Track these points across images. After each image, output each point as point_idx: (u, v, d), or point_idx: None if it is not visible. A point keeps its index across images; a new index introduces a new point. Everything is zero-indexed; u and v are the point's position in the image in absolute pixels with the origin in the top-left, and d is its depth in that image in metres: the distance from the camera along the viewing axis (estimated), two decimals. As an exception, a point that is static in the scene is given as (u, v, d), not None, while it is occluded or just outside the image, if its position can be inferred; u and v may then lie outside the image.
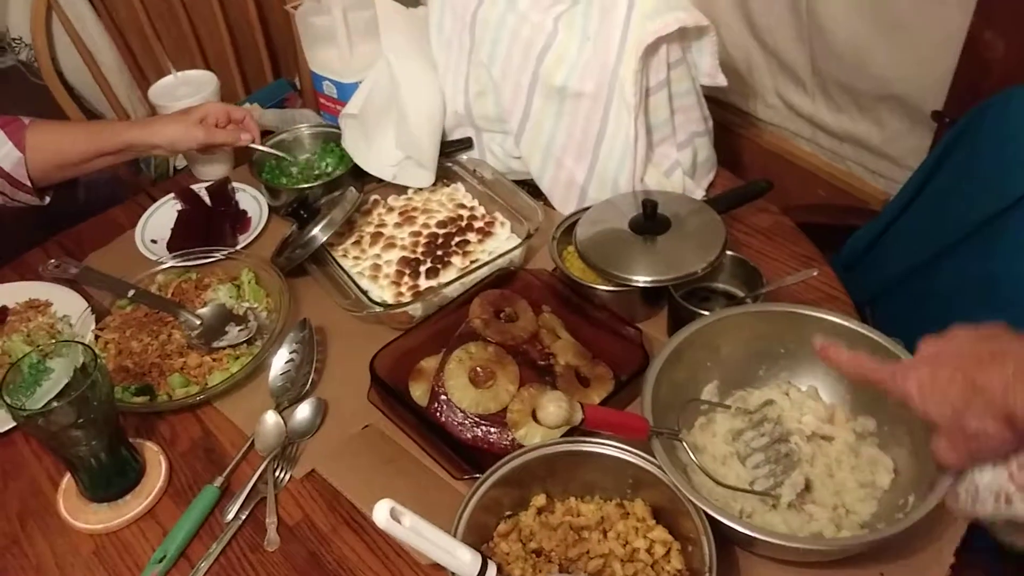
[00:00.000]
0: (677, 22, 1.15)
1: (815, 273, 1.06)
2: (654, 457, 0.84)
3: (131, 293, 1.19)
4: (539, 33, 1.23)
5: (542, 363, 1.05)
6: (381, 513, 0.71)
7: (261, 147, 1.39)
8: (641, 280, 1.08)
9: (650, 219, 1.12)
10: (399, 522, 0.72)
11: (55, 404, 0.90)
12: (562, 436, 0.90)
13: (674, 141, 1.28)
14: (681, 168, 1.28)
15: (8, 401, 0.88)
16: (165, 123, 1.34)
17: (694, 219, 1.15)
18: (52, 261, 1.26)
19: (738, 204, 1.23)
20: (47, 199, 1.34)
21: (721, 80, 1.27)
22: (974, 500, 0.72)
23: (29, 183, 1.27)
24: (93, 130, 1.31)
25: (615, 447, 0.85)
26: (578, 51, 1.21)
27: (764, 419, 0.94)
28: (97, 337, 1.16)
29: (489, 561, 0.78)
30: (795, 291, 1.13)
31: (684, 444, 0.86)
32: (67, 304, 1.23)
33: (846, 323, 0.93)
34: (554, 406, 0.78)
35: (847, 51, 1.54)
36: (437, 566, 0.80)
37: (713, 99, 1.31)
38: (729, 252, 1.11)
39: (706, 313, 1.00)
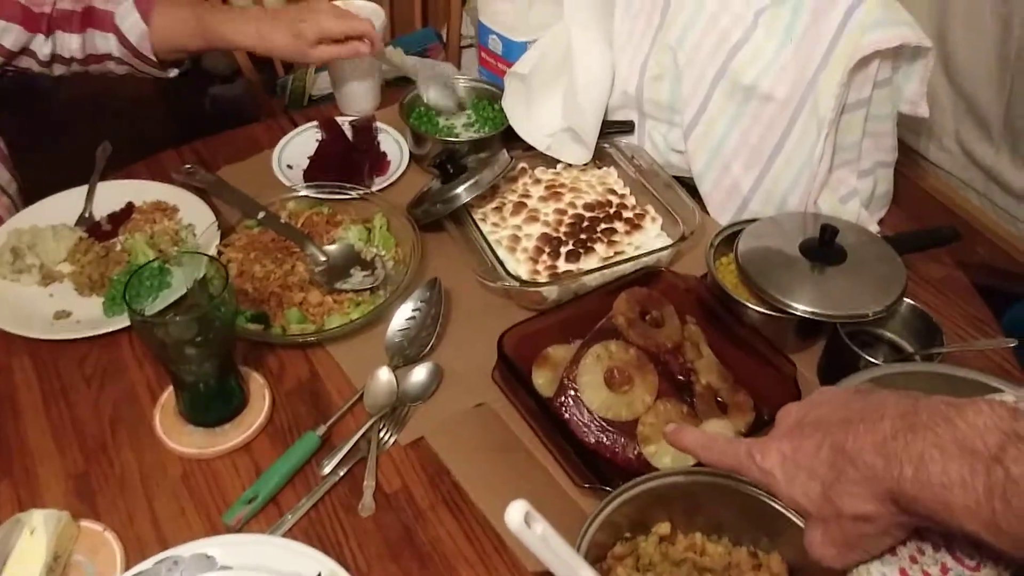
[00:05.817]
0: (900, 38, 1.04)
1: (1013, 344, 0.94)
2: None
3: (261, 215, 1.14)
4: (737, 26, 1.13)
5: (681, 378, 0.96)
6: (516, 515, 0.63)
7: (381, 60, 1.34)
8: (802, 309, 0.98)
9: (826, 246, 1.02)
10: (529, 527, 0.65)
11: (178, 317, 0.85)
12: (696, 463, 0.82)
13: (856, 167, 1.17)
14: (859, 197, 1.17)
15: (130, 305, 0.83)
16: (274, 34, 1.23)
17: (870, 255, 1.04)
18: (187, 166, 1.23)
19: (920, 248, 1.11)
20: (173, 72, 1.32)
21: (923, 110, 1.15)
22: None
23: (153, 57, 1.25)
24: (207, 30, 1.23)
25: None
26: (776, 52, 1.11)
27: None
28: (220, 253, 1.11)
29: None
30: (958, 358, 1.00)
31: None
32: (193, 213, 1.19)
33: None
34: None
35: (1053, 106, 1.40)
36: (545, 575, 0.73)
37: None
38: (906, 299, 1.01)
39: (877, 362, 0.90)
